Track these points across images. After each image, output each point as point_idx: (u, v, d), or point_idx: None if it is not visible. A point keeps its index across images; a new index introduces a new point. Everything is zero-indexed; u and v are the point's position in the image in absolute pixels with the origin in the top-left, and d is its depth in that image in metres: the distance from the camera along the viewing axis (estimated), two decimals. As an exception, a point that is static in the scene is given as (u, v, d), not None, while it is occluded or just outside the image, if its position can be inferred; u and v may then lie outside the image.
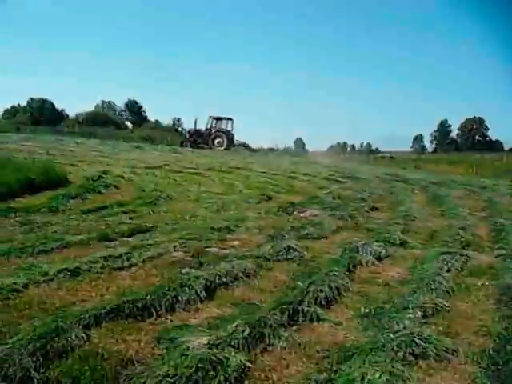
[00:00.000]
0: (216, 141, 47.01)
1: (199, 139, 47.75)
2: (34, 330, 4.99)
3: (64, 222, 10.74)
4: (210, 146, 46.16)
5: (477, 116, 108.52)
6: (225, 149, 45.50)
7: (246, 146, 49.62)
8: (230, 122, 48.72)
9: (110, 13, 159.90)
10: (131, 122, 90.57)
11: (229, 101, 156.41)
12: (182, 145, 47.53)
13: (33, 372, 4.37)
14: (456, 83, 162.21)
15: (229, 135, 47.81)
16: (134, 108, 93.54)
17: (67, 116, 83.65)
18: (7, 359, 4.43)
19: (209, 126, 48.29)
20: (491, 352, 5.48)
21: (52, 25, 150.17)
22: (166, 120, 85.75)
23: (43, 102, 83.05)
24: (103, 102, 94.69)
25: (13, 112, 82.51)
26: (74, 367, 4.48)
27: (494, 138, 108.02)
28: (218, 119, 48.80)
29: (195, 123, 49.09)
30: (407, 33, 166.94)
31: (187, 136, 49.58)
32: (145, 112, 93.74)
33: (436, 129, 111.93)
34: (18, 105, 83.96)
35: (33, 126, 63.02)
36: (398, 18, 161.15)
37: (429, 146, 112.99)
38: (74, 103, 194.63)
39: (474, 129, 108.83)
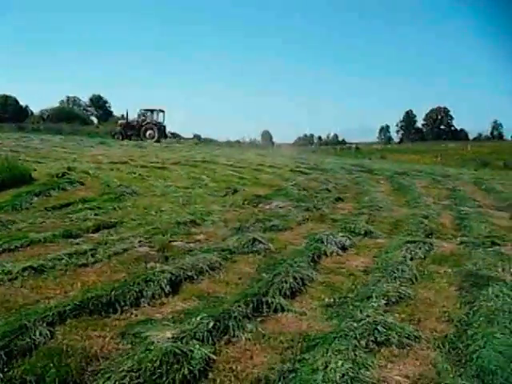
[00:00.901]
0: (147, 133, 47.61)
1: (131, 131, 48.16)
2: (-3, 328, 4.97)
3: (28, 220, 10.63)
4: (141, 138, 46.65)
5: (441, 106, 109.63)
6: (156, 141, 45.87)
7: (176, 137, 50.06)
8: (161, 114, 49.60)
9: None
10: (97, 118, 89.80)
11: (194, 92, 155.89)
12: (113, 137, 47.75)
13: (-4, 371, 4.36)
14: (422, 72, 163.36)
15: (160, 127, 48.59)
16: (99, 103, 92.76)
17: (32, 113, 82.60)
18: (-30, 359, 4.42)
19: (139, 119, 49.15)
20: (452, 337, 5.60)
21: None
22: (132, 114, 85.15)
23: (6, 98, 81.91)
24: (68, 97, 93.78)
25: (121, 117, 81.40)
26: (38, 365, 4.46)
27: (458, 128, 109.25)
28: (149, 111, 49.67)
29: (127, 115, 50.02)
30: (372, 21, 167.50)
31: (119, 128, 49.40)
32: (110, 107, 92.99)
33: (402, 119, 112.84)
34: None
35: (-4, 123, 62.12)
36: (363, 6, 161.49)
37: (395, 136, 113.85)
38: (38, 100, 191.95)
39: (439, 118, 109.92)
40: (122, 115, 52.87)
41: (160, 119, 49.25)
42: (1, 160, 17.83)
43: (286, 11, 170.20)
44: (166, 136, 49.93)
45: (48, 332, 5.09)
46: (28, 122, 69.62)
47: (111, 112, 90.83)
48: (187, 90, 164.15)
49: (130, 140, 44.99)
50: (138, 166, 22.15)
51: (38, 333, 4.99)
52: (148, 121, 48.67)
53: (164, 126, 49.53)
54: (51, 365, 4.46)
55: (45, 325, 5.19)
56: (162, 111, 49.55)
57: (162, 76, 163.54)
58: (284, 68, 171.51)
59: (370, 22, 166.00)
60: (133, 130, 48.15)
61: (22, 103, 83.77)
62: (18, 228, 9.80)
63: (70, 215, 11.41)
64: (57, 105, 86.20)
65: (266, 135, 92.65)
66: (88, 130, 63.75)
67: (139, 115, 49.59)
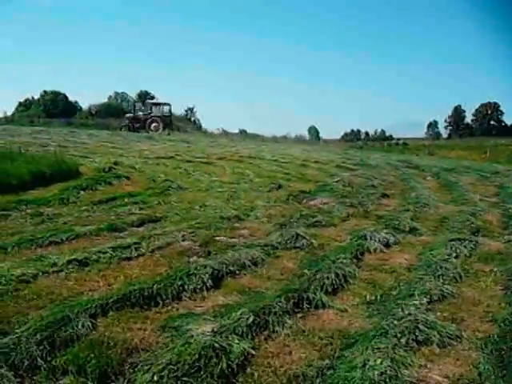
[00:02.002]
0: (152, 125, 49.86)
1: (137, 124, 50.21)
2: (41, 319, 5.08)
3: (74, 214, 10.83)
4: (146, 131, 48.31)
5: (491, 101, 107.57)
6: (167, 134, 47.25)
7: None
8: (167, 107, 52.41)
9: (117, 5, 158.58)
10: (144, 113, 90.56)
11: (242, 89, 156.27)
12: (121, 129, 49.47)
13: (40, 360, 4.46)
14: (470, 68, 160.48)
15: (166, 120, 51.01)
16: (146, 98, 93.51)
17: (80, 108, 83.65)
18: (15, 348, 4.53)
19: (147, 112, 51.57)
20: (495, 338, 5.49)
21: (57, 15, 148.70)
22: (179, 110, 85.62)
23: (56, 94, 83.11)
24: (116, 93, 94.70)
25: (27, 105, 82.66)
26: (80, 355, 4.54)
27: (509, 123, 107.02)
28: (156, 105, 52.99)
29: (134, 108, 53.52)
30: (421, 18, 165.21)
31: (127, 121, 51.47)
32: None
33: (450, 114, 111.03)
34: (32, 98, 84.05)
35: (46, 119, 63.17)
36: (412, 3, 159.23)
37: (443, 131, 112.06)
38: (88, 95, 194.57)
39: (489, 114, 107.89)
40: (130, 109, 56.55)
41: (166, 112, 51.95)
42: (49, 155, 18.22)
43: (340, 7, 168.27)
44: (172, 128, 51.76)
45: (90, 324, 5.18)
46: (77, 118, 70.55)
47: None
48: (236, 84, 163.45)
49: (138, 132, 46.56)
50: (184, 161, 22.35)
51: (80, 324, 5.09)
52: (153, 114, 51.06)
53: (170, 119, 52.38)
54: (92, 356, 4.53)
55: (87, 316, 5.29)
56: (168, 104, 52.56)
57: (211, 68, 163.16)
58: (333, 63, 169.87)
59: (420, 19, 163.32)
60: (139, 123, 50.31)
61: (72, 99, 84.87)
62: (64, 221, 9.99)
63: (116, 209, 11.58)
64: (105, 100, 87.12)
65: (313, 131, 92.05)
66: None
67: (145, 108, 52.64)
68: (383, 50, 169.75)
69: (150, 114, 51.10)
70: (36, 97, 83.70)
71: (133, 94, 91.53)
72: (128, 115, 53.06)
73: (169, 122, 51.57)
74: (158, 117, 50.58)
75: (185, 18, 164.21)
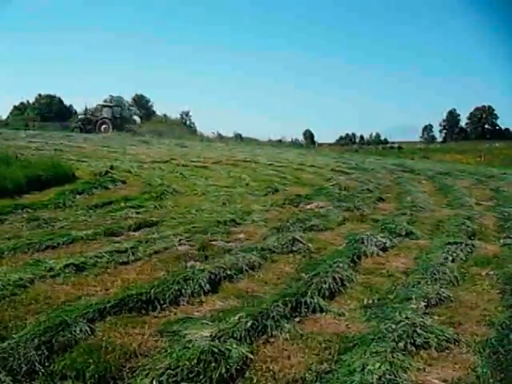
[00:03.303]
0: (102, 127, 51.47)
1: (89, 126, 51.82)
2: (39, 324, 5.07)
3: (70, 218, 10.83)
4: (96, 132, 49.73)
5: (486, 105, 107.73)
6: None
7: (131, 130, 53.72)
8: (117, 109, 55.47)
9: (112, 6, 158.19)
10: (139, 117, 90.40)
11: (236, 92, 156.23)
12: (72, 131, 50.64)
13: (38, 365, 4.44)
14: (465, 71, 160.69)
15: (115, 121, 52.74)
16: (141, 102, 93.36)
17: (75, 112, 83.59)
18: (13, 353, 4.51)
19: (97, 114, 53.52)
20: (493, 341, 5.48)
21: (54, 19, 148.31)
22: (174, 114, 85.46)
23: (51, 98, 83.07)
24: (111, 96, 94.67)
25: (21, 109, 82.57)
26: (78, 360, 4.53)
27: (503, 127, 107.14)
28: (106, 107, 54.66)
29: (86, 110, 56.29)
30: (415, 23, 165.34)
31: (79, 123, 53.31)
32: (152, 106, 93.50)
33: (445, 118, 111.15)
34: (27, 102, 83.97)
35: (41, 123, 63.25)
36: (406, 7, 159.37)
37: (438, 135, 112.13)
38: (82, 99, 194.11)
39: (484, 118, 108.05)
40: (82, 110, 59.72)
41: (116, 114, 54.13)
42: (45, 159, 18.20)
43: (328, 5, 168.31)
44: (122, 129, 52.58)
45: (88, 328, 5.17)
46: (72, 121, 70.57)
47: (154, 111, 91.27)
48: (231, 87, 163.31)
49: (90, 133, 47.52)
50: (180, 165, 22.35)
51: (78, 329, 5.08)
52: (103, 116, 52.68)
53: (120, 120, 54.69)
54: (91, 361, 4.52)
55: (85, 321, 5.28)
56: (119, 106, 56.61)
57: (205, 72, 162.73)
58: (327, 67, 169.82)
59: (413, 24, 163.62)
60: (90, 125, 52.02)
61: (67, 103, 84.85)
62: (61, 226, 10.00)
63: (112, 213, 11.59)
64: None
65: (308, 134, 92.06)
66: (130, 129, 64.53)
67: (96, 110, 54.88)
68: (377, 53, 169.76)
69: (100, 115, 52.92)
70: (31, 100, 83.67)
71: (128, 97, 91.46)
72: (80, 117, 55.91)
73: (119, 123, 53.26)
74: (108, 119, 52.24)
75: (182, 20, 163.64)
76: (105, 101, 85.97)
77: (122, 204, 12.85)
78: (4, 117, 73.55)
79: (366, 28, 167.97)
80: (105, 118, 52.28)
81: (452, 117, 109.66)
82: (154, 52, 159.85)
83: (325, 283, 6.95)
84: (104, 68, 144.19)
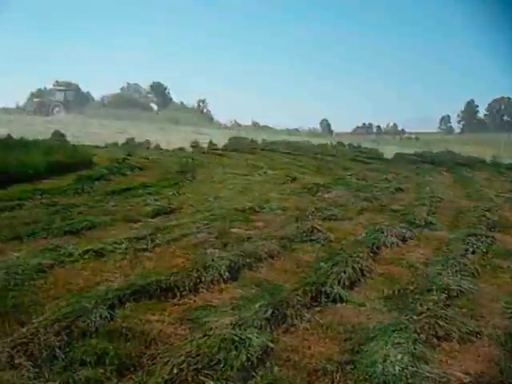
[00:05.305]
0: (55, 110, 54.12)
1: (43, 108, 54.37)
2: (58, 309, 5.05)
3: (89, 204, 10.83)
4: (49, 114, 51.61)
5: (505, 96, 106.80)
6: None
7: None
8: (70, 93, 58.82)
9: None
10: (156, 104, 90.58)
11: (251, 80, 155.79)
12: (28, 114, 52.51)
13: (58, 351, 4.41)
14: (484, 62, 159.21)
15: (68, 104, 55.84)
16: (159, 90, 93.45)
17: (93, 99, 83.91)
18: (33, 338, 4.49)
19: (51, 97, 56.56)
20: (516, 335, 5.42)
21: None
22: (191, 101, 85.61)
23: (69, 85, 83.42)
24: (128, 84, 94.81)
25: (40, 95, 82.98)
26: (98, 346, 4.50)
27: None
28: (60, 91, 58.09)
29: (43, 94, 58.94)
30: (435, 12, 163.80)
31: (35, 106, 56.13)
32: (169, 94, 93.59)
33: (463, 109, 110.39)
34: (45, 88, 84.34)
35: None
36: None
37: (456, 126, 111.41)
38: (100, 86, 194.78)
39: (502, 109, 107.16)
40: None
41: (69, 97, 57.18)
42: (63, 145, 18.25)
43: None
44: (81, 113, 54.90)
45: (108, 314, 5.14)
46: (89, 108, 70.84)
47: (171, 99, 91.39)
48: (249, 75, 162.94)
49: (46, 116, 49.44)
50: (197, 153, 22.34)
51: (98, 315, 5.04)
52: (56, 99, 55.75)
53: (73, 103, 57.35)
54: (110, 347, 4.49)
55: (105, 307, 5.24)
56: (72, 90, 59.23)
57: (223, 58, 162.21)
58: (344, 56, 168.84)
59: (433, 15, 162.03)
60: (45, 108, 54.55)
61: (84, 89, 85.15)
62: (79, 211, 9.97)
63: (130, 200, 11.60)
64: (118, 91, 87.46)
65: (325, 124, 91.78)
66: (147, 116, 64.70)
67: (49, 93, 58.09)
68: (394, 43, 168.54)
69: (53, 99, 55.77)
70: (48, 87, 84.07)
71: (146, 85, 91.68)
72: (35, 100, 58.92)
73: (72, 106, 55.75)
74: (61, 102, 55.02)
75: (197, 5, 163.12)
76: (122, 88, 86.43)
77: (140, 191, 12.87)
78: (21, 103, 74.03)
79: (384, 17, 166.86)
80: (57, 101, 55.14)
81: (470, 108, 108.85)
82: (170, 40, 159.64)
83: (344, 273, 6.88)
84: (121, 56, 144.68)
